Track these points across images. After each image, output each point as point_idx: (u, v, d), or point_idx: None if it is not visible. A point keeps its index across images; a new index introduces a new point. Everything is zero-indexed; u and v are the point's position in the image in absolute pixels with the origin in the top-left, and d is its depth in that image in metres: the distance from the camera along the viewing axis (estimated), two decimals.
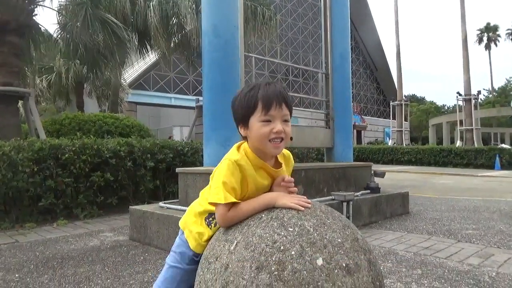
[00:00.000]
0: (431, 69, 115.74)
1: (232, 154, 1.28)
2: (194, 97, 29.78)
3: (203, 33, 4.24)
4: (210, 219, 1.34)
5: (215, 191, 1.23)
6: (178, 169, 4.44)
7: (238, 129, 1.32)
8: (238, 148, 1.32)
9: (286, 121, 1.26)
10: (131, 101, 25.85)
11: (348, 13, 5.85)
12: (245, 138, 1.31)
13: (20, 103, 8.21)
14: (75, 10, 8.01)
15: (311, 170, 4.74)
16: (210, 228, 1.35)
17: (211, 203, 1.29)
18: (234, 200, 1.22)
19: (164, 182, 6.71)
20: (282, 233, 1.15)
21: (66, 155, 5.40)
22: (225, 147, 4.19)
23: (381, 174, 5.55)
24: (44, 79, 15.79)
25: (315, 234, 1.15)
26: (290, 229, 1.17)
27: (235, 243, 1.20)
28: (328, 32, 5.68)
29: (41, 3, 7.82)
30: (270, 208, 1.25)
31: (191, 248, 1.36)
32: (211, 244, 1.30)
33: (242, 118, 1.27)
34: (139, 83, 27.66)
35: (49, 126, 8.78)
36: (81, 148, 5.60)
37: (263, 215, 1.24)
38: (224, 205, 1.22)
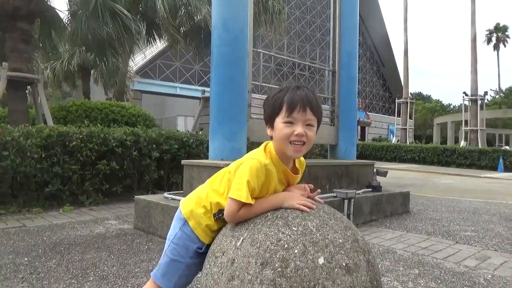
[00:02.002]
0: (438, 66, 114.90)
1: (261, 155, 1.31)
2: (200, 88, 29.88)
3: (213, 27, 4.28)
4: (220, 215, 1.35)
5: (238, 187, 1.25)
6: (183, 161, 4.51)
7: (267, 128, 1.36)
8: (265, 149, 1.35)
9: (309, 125, 1.29)
10: (137, 89, 25.91)
11: (357, 12, 5.86)
12: (271, 138, 1.34)
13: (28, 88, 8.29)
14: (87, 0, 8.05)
15: (314, 166, 4.80)
16: (216, 222, 1.38)
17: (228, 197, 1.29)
18: (252, 202, 1.25)
19: (168, 172, 6.80)
20: (287, 232, 1.21)
21: (74, 143, 5.49)
22: (231, 141, 4.27)
23: (384, 173, 5.61)
24: (50, 65, 15.85)
25: (318, 234, 1.22)
26: (294, 228, 1.23)
27: (241, 239, 1.26)
28: (337, 30, 5.70)
29: None
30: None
31: (202, 239, 1.38)
32: (218, 239, 1.36)
33: (269, 118, 1.32)
34: (145, 72, 27.68)
35: (56, 112, 8.87)
36: (88, 136, 5.68)
37: (269, 214, 1.30)
38: (239, 203, 1.25)
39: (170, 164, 6.78)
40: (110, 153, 5.92)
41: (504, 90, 60.61)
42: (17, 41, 7.17)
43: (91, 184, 5.71)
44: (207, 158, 7.03)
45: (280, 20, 11.34)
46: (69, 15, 9.37)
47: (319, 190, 1.46)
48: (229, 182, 1.33)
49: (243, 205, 1.26)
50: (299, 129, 1.26)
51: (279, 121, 1.28)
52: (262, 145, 1.37)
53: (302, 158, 1.46)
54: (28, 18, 7.21)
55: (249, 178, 1.24)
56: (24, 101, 7.55)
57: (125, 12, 7.98)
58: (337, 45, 5.72)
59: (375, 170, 5.70)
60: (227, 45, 4.18)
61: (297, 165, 1.43)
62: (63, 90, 25.22)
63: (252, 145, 6.90)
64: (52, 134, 5.40)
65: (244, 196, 1.23)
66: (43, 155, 5.24)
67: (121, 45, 9.37)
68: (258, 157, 1.29)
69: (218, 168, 4.01)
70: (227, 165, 4.21)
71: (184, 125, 30.87)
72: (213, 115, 4.34)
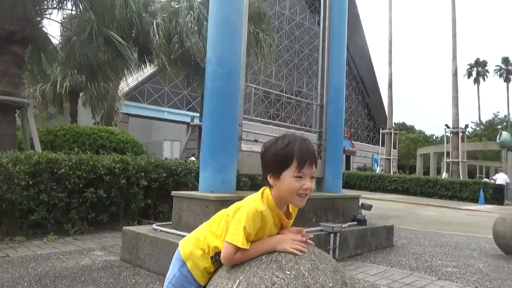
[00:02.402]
0: (421, 97, 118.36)
1: (258, 202, 1.38)
2: (188, 112, 30.04)
3: (207, 61, 4.43)
4: (217, 257, 1.40)
5: (235, 231, 1.31)
6: (173, 193, 4.55)
7: (267, 177, 1.39)
8: (262, 195, 1.41)
9: (312, 177, 1.37)
10: (124, 113, 25.87)
11: (345, 49, 6.14)
12: (269, 185, 1.39)
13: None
14: (81, 25, 8.18)
15: None
16: (213, 264, 1.43)
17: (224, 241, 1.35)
18: (248, 247, 1.32)
19: (155, 201, 6.78)
20: (280, 276, 1.29)
21: (62, 170, 5.47)
22: (221, 173, 4.34)
23: (368, 207, 5.73)
24: (38, 87, 15.81)
25: (309, 278, 1.29)
26: (287, 272, 1.31)
27: (237, 282, 1.33)
28: (325, 66, 5.93)
29: (47, 15, 7.99)
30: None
31: (199, 281, 1.44)
32: (214, 281, 1.42)
33: (275, 170, 1.36)
34: (133, 95, 27.74)
35: (43, 136, 8.81)
36: (77, 164, 5.67)
37: (264, 257, 1.37)
38: (235, 247, 1.31)
39: (158, 192, 6.77)
40: (98, 180, 5.90)
41: (484, 123, 62.51)
42: (9, 65, 7.21)
43: (77, 213, 5.65)
44: (195, 186, 7.09)
45: (270, 51, 11.70)
46: (62, 40, 9.49)
47: (303, 231, 1.50)
48: (227, 224, 1.39)
49: (239, 249, 1.31)
50: (308, 183, 1.33)
51: (288, 175, 1.33)
52: (260, 191, 1.43)
53: (295, 209, 1.52)
54: (22, 43, 7.29)
55: (246, 224, 1.30)
56: (13, 125, 7.51)
57: (119, 39, 8.15)
58: (325, 80, 5.94)
59: (360, 204, 5.81)
60: (221, 79, 4.32)
61: (290, 209, 1.49)
62: (48, 111, 24.99)
63: (240, 177, 6.95)
64: (41, 161, 5.38)
65: (240, 241, 1.29)
66: (31, 182, 5.21)
67: (113, 70, 9.48)
68: (255, 203, 1.36)
69: (208, 201, 4.08)
70: (217, 198, 4.24)
71: (170, 149, 30.75)
72: (205, 148, 4.43)
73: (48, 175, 5.41)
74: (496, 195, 18.87)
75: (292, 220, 1.52)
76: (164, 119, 30.36)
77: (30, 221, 5.28)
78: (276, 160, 1.36)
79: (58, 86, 13.43)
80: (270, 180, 1.38)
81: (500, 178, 19.25)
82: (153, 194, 6.69)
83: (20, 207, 5.19)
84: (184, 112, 30.29)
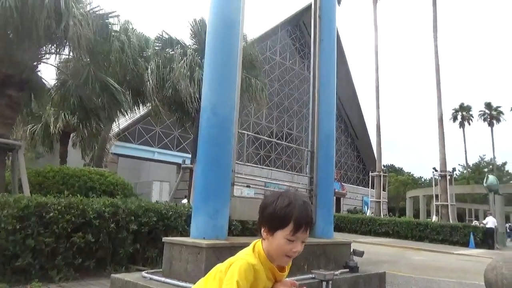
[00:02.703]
0: (409, 140, 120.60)
1: (250, 256, 1.40)
2: (178, 153, 30.03)
3: (202, 109, 4.56)
4: None
5: (228, 287, 1.32)
6: (165, 239, 4.51)
7: (261, 229, 1.42)
8: (254, 249, 1.43)
9: (303, 242, 1.39)
10: (114, 153, 25.78)
11: (334, 98, 6.36)
12: (262, 238, 1.41)
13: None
14: (77, 69, 8.38)
15: None
16: None
17: None
18: None
19: (144, 246, 6.65)
20: None
21: (51, 214, 5.39)
22: (213, 219, 4.34)
23: (360, 254, 5.70)
24: (29, 128, 15.79)
25: None
26: None
27: None
28: (316, 114, 6.12)
29: (44, 60, 8.17)
30: None
31: None
32: None
33: (270, 227, 1.38)
34: (124, 135, 27.78)
35: (32, 178, 8.71)
36: (66, 207, 5.61)
37: None
38: None
39: (147, 237, 6.66)
40: (86, 225, 5.81)
41: (471, 166, 63.50)
42: (4, 108, 7.27)
43: (63, 258, 5.51)
44: (185, 231, 7.01)
45: (262, 96, 12.03)
46: (57, 83, 9.65)
47: (296, 284, 1.50)
48: (221, 281, 1.40)
49: None
50: (298, 247, 1.36)
51: (281, 235, 1.35)
52: (251, 245, 1.45)
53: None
54: (18, 86, 7.41)
55: (238, 279, 1.31)
56: (3, 167, 7.46)
57: (115, 85, 8.33)
58: (315, 127, 6.10)
59: (352, 250, 5.79)
60: (215, 127, 4.43)
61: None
62: (36, 150, 24.76)
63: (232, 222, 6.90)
64: (30, 204, 5.31)
65: None
66: (18, 227, 5.11)
67: (106, 113, 9.59)
68: (247, 257, 1.38)
69: (199, 248, 4.05)
70: (209, 245, 4.22)
71: (159, 190, 30.41)
72: (198, 193, 4.45)
73: (36, 219, 5.32)
74: (487, 239, 18.88)
75: (286, 273, 1.53)
76: (154, 160, 30.26)
77: (14, 267, 5.12)
78: (273, 219, 1.38)
79: (51, 127, 13.45)
80: (264, 233, 1.40)
81: (490, 222, 19.34)
82: (142, 239, 6.58)
83: (5, 252, 5.06)
84: (175, 153, 30.28)
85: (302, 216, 1.36)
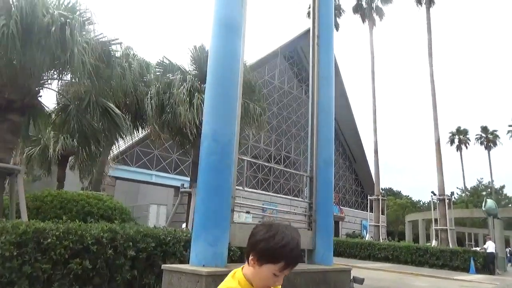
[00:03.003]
0: (406, 163, 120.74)
1: (229, 282, 1.47)
2: (176, 176, 29.96)
3: (203, 136, 4.62)
4: None
5: None
6: (164, 266, 4.48)
7: (249, 256, 1.46)
8: (233, 276, 1.48)
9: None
10: (111, 176, 25.69)
11: (333, 125, 6.45)
12: (248, 263, 1.46)
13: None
14: (78, 93, 8.48)
15: (292, 274, 4.82)
16: None
17: None
18: None
19: (141, 272, 6.56)
20: None
21: (49, 240, 5.35)
22: (213, 246, 4.32)
23: (360, 281, 5.66)
24: (26, 151, 15.79)
25: None
26: None
27: None
28: (314, 140, 6.19)
29: (46, 85, 8.29)
30: None
31: None
32: None
33: (261, 259, 1.42)
34: (122, 158, 27.76)
35: (30, 202, 8.66)
36: (64, 233, 5.56)
37: None
38: None
39: (145, 263, 6.58)
40: (84, 251, 5.75)
41: (469, 189, 63.40)
42: (5, 132, 7.31)
43: (60, 285, 5.43)
44: (183, 256, 6.94)
45: (260, 121, 12.15)
46: (57, 107, 9.74)
47: None
48: None
49: None
50: (281, 281, 1.44)
51: (269, 269, 1.41)
52: (231, 273, 1.50)
53: None
54: (20, 111, 7.48)
55: None
56: (1, 191, 7.43)
57: (116, 110, 8.43)
58: (314, 154, 6.16)
59: (352, 277, 5.74)
60: (215, 154, 4.48)
61: None
62: (33, 173, 24.66)
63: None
64: (28, 230, 5.27)
65: None
66: (15, 253, 5.05)
67: (106, 138, 9.64)
68: (226, 283, 1.46)
69: (199, 275, 4.02)
70: (209, 272, 4.20)
71: (156, 214, 30.16)
72: (198, 220, 4.45)
73: (33, 245, 5.27)
74: (488, 264, 18.65)
75: None
76: (152, 183, 30.15)
77: None
78: (266, 253, 1.42)
79: (50, 150, 13.47)
80: (252, 261, 1.44)
81: (491, 246, 19.17)
82: (140, 265, 6.50)
83: (1, 279, 4.99)
84: (173, 176, 30.23)
85: (294, 257, 1.42)
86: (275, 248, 1.41)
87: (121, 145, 27.11)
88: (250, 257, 1.46)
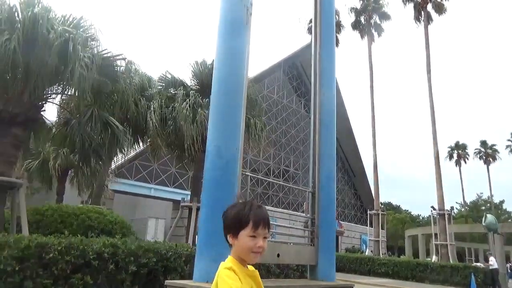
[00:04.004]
0: (406, 177, 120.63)
1: (224, 264, 1.58)
2: (175, 189, 29.86)
3: (207, 152, 4.65)
4: None
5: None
6: (167, 282, 4.47)
7: (227, 237, 1.61)
8: (225, 262, 1.60)
9: (265, 238, 1.59)
10: (111, 189, 25.60)
11: (334, 139, 6.50)
12: (230, 245, 1.61)
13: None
14: (80, 107, 8.55)
15: None
16: None
17: None
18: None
19: (143, 287, 6.52)
20: None
21: (51, 255, 5.33)
22: (217, 263, 4.30)
23: None
24: (25, 164, 15.77)
25: None
26: None
27: None
28: (316, 155, 6.22)
29: (50, 99, 8.36)
30: None
31: None
32: None
33: (234, 230, 1.57)
34: (121, 171, 27.71)
35: (31, 216, 8.64)
36: (66, 248, 5.55)
37: None
38: None
39: (146, 278, 6.55)
40: (86, 266, 5.73)
41: (468, 204, 63.22)
42: (7, 146, 7.35)
43: None
44: (184, 271, 6.90)
45: (261, 136, 12.21)
46: (58, 121, 9.79)
47: None
48: None
49: None
50: (260, 242, 1.55)
51: (244, 234, 1.55)
52: (222, 263, 1.63)
53: (251, 267, 1.70)
54: (23, 125, 7.52)
55: (229, 281, 1.48)
56: (3, 204, 7.42)
57: (118, 124, 8.49)
58: (316, 169, 6.19)
59: None
60: (219, 169, 4.51)
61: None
62: (32, 186, 24.60)
63: None
64: (31, 245, 5.26)
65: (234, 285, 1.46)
66: (17, 268, 5.04)
67: (106, 151, 9.68)
68: (222, 266, 1.58)
69: None
70: None
71: (154, 227, 29.95)
72: (201, 236, 4.46)
73: (35, 260, 5.26)
74: (494, 280, 18.27)
75: (256, 272, 1.66)
76: (151, 196, 30.03)
77: None
78: (235, 222, 1.57)
79: (50, 164, 13.49)
80: (230, 239, 1.60)
81: (495, 262, 18.95)
82: (141, 280, 6.46)
83: None
84: (171, 189, 30.14)
85: (259, 215, 1.56)
86: (239, 214, 1.57)
87: (120, 158, 27.12)
88: (228, 237, 1.60)
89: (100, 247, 5.95)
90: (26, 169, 15.78)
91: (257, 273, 1.69)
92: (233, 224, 1.58)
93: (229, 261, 1.60)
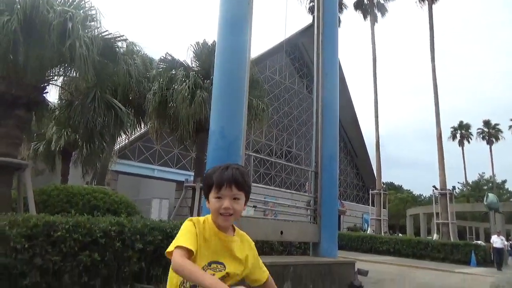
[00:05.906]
0: (408, 157, 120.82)
1: (194, 218, 1.62)
2: (178, 170, 30.08)
3: (211, 133, 4.70)
4: (185, 285, 1.53)
5: (172, 242, 1.51)
6: None
7: (205, 202, 1.64)
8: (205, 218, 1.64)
9: (236, 199, 1.56)
10: (114, 170, 25.80)
11: (337, 121, 6.53)
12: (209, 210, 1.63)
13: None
14: (82, 89, 8.56)
15: (299, 266, 4.93)
16: None
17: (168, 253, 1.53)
18: (183, 245, 1.46)
19: (149, 264, 6.68)
20: None
21: (59, 233, 5.45)
22: None
23: (365, 273, 5.77)
24: (32, 146, 15.91)
25: None
26: None
27: None
28: (319, 136, 6.27)
29: (52, 81, 8.36)
30: None
31: None
32: None
33: (206, 194, 1.61)
34: (124, 153, 27.86)
35: (37, 196, 8.76)
36: (74, 226, 5.67)
37: None
38: (177, 250, 1.46)
39: (152, 255, 6.70)
40: (93, 244, 5.86)
41: (470, 183, 63.40)
42: (11, 128, 7.40)
43: (70, 277, 5.55)
44: None
45: (263, 117, 12.22)
46: (61, 103, 9.81)
47: None
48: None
49: (183, 254, 1.44)
50: (226, 203, 1.53)
51: (211, 197, 1.56)
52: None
53: (245, 236, 1.73)
54: (26, 107, 7.56)
55: (180, 233, 1.54)
56: (9, 185, 7.53)
57: (120, 106, 8.51)
58: (319, 149, 6.24)
59: (356, 269, 5.85)
60: (223, 149, 4.57)
61: (237, 236, 1.67)
62: (36, 167, 24.84)
63: None
64: (39, 223, 5.37)
65: (174, 244, 1.48)
66: (26, 245, 5.16)
67: (110, 133, 9.73)
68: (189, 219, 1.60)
69: None
70: None
71: (158, 208, 30.31)
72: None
73: (44, 238, 5.38)
74: (498, 258, 17.88)
75: (234, 239, 1.63)
76: (154, 177, 30.27)
77: (21, 286, 5.15)
78: (204, 186, 1.62)
79: (53, 144, 13.59)
80: (207, 204, 1.62)
81: (499, 241, 18.48)
82: (147, 257, 6.61)
83: (13, 271, 5.09)
84: (175, 170, 30.34)
85: (223, 176, 1.54)
86: (205, 178, 1.62)
87: (124, 140, 27.24)
88: (206, 204, 1.63)
89: (106, 226, 6.07)
90: (34, 151, 15.94)
91: (237, 244, 1.62)
92: (204, 189, 1.61)
93: (202, 217, 1.63)
